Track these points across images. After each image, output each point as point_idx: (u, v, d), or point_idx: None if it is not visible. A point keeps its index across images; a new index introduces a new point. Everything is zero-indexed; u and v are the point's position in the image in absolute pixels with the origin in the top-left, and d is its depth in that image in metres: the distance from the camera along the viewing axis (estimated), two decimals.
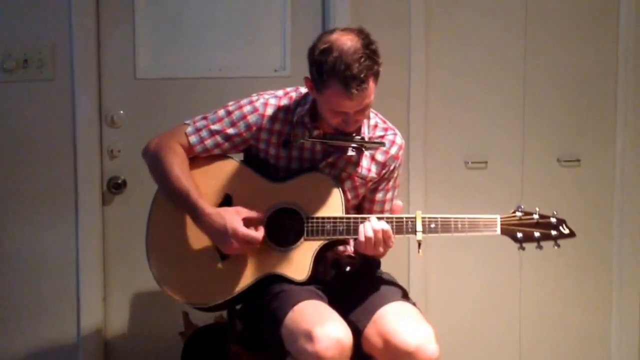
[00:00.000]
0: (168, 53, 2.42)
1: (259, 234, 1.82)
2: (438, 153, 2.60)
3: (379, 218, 1.82)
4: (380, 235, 1.77)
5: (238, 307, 1.98)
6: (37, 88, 2.32)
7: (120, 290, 2.44)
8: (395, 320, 1.76)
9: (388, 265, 2.02)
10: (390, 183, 1.97)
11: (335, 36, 1.76)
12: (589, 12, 2.66)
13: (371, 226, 1.78)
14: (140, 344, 2.46)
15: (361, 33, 1.77)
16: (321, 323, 1.68)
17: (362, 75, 1.71)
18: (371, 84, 1.75)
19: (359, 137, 1.87)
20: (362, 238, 1.78)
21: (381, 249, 1.80)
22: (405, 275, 2.56)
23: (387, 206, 1.98)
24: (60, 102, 2.33)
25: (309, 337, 1.65)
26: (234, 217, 1.81)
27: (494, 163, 2.64)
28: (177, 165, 1.86)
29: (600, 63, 2.69)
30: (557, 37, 2.64)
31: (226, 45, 2.44)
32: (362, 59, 1.72)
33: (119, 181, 2.40)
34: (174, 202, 1.88)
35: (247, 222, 1.82)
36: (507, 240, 2.55)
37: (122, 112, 2.40)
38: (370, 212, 1.96)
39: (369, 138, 1.90)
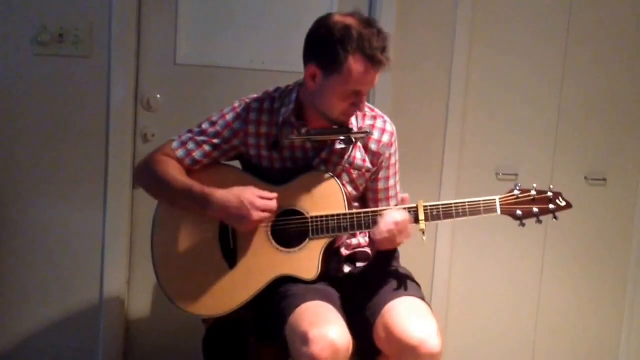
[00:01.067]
0: (210, 41, 2.36)
1: (273, 202, 1.79)
2: (471, 162, 2.59)
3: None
4: (397, 227, 1.76)
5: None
6: (72, 64, 2.25)
7: (145, 274, 2.40)
8: (401, 314, 1.75)
9: (413, 266, 2.01)
10: (391, 171, 1.95)
11: (339, 17, 1.75)
12: (626, 33, 2.64)
13: (386, 221, 1.76)
14: (162, 329, 2.44)
15: (359, 14, 1.77)
16: (318, 325, 1.66)
17: (384, 47, 1.72)
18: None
19: (343, 129, 1.84)
20: (379, 237, 1.77)
21: (399, 241, 1.79)
22: (429, 277, 2.56)
23: (391, 192, 1.96)
24: (96, 81, 2.28)
25: (305, 339, 1.64)
26: (246, 190, 1.78)
27: (524, 176, 2.62)
28: (171, 170, 1.83)
29: (632, 84, 2.67)
30: (595, 56, 2.63)
31: (271, 38, 2.39)
32: (379, 33, 1.73)
33: None
34: (179, 204, 1.84)
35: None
36: (530, 242, 2.61)
37: (158, 96, 2.34)
38: (376, 201, 1.95)
39: (358, 128, 1.88)
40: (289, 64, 2.35)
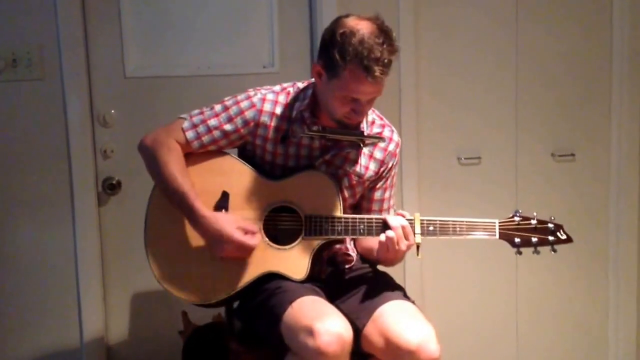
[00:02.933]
0: (157, 51, 2.34)
1: (254, 241, 1.75)
2: (431, 149, 2.52)
3: (382, 221, 1.76)
4: (400, 231, 1.72)
5: (235, 305, 1.92)
6: (27, 88, 2.25)
7: (119, 290, 2.39)
8: (395, 318, 1.71)
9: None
10: (389, 181, 1.91)
11: (353, 21, 1.70)
12: (581, 5, 2.56)
13: (390, 224, 1.72)
14: (141, 341, 2.41)
15: (378, 19, 1.71)
16: (321, 318, 1.61)
17: (384, 60, 1.65)
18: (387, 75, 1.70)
19: (358, 132, 1.80)
20: (383, 238, 1.72)
21: (403, 247, 1.73)
22: (401, 274, 2.47)
23: (385, 205, 1.92)
24: (51, 102, 2.26)
25: (310, 332, 1.59)
26: (230, 224, 1.73)
27: (488, 159, 2.55)
28: (173, 164, 1.78)
29: (593, 57, 2.59)
30: (549, 30, 2.55)
31: (214, 43, 2.36)
32: (384, 44, 1.66)
33: (114, 182, 2.33)
34: (170, 201, 1.80)
35: (242, 232, 1.75)
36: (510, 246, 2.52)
37: (113, 111, 2.33)
38: (370, 211, 1.90)
39: (368, 134, 1.83)
40: (233, 67, 2.33)
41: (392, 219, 1.73)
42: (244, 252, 1.75)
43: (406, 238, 1.72)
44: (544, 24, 2.53)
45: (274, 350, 1.75)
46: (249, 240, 1.74)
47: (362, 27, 1.67)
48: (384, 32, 1.68)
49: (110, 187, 2.33)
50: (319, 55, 1.75)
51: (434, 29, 2.47)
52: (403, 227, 1.72)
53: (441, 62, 2.49)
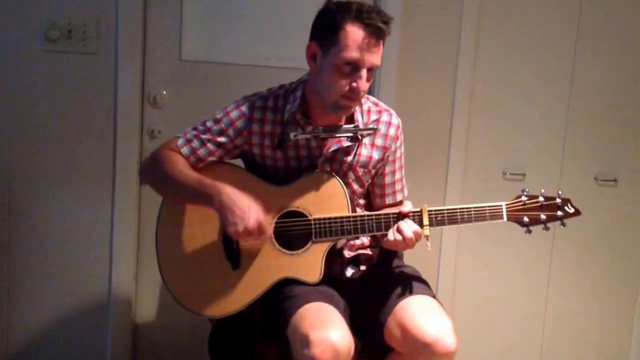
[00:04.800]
0: (214, 37, 2.27)
1: (269, 230, 1.71)
2: (477, 162, 2.46)
3: (391, 216, 1.71)
4: (409, 234, 1.67)
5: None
6: (80, 61, 2.18)
7: (152, 270, 2.27)
8: (414, 312, 1.68)
9: (418, 261, 1.91)
10: (397, 164, 1.87)
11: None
12: (635, 33, 2.49)
13: (403, 230, 1.67)
14: (169, 324, 2.37)
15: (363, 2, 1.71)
16: (319, 327, 1.58)
17: (382, 24, 1.64)
18: (384, 41, 1.68)
19: (351, 126, 1.75)
20: (391, 237, 1.68)
21: (410, 246, 1.70)
22: (435, 270, 2.44)
23: (397, 186, 1.88)
24: (103, 77, 2.20)
25: (306, 341, 1.56)
26: (254, 203, 1.67)
27: (532, 176, 2.49)
28: (178, 165, 1.74)
29: None
30: (604, 56, 2.49)
31: (274, 34, 2.29)
32: (380, 12, 1.67)
33: None
34: (184, 197, 1.74)
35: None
36: (537, 243, 2.47)
37: (164, 92, 2.26)
38: (382, 196, 1.87)
39: (364, 124, 1.78)
40: (291, 61, 2.27)
41: (404, 226, 1.67)
42: (260, 234, 1.66)
43: (416, 239, 1.68)
44: (601, 50, 2.48)
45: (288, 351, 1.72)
46: (267, 226, 1.68)
47: (353, 2, 1.67)
48: (373, 6, 1.69)
49: None
50: (311, 37, 1.71)
51: (493, 46, 2.42)
52: (415, 232, 1.67)
53: (496, 79, 2.44)
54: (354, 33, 1.63)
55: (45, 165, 2.20)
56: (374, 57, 1.65)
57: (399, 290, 1.75)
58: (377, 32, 1.63)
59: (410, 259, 1.91)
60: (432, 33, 2.36)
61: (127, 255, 2.28)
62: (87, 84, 2.19)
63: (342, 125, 1.75)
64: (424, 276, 1.88)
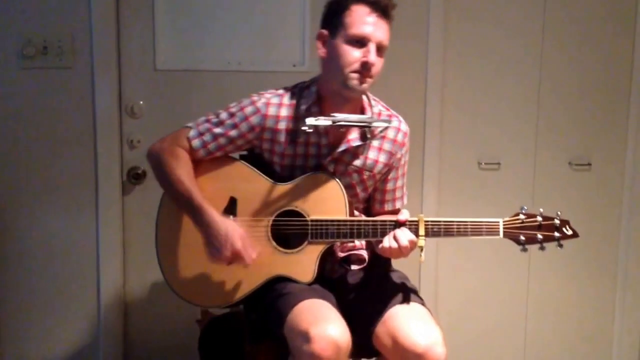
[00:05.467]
0: (188, 45, 2.29)
1: (250, 257, 1.69)
2: (452, 153, 2.48)
3: (388, 223, 1.70)
4: (405, 243, 1.67)
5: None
6: (57, 76, 2.20)
7: (139, 277, 2.35)
8: (405, 321, 1.67)
9: (399, 264, 1.90)
10: (400, 171, 1.87)
11: None
12: (604, 16, 2.51)
13: (399, 238, 1.67)
14: (159, 330, 2.38)
15: None
16: (318, 323, 1.58)
17: (385, 3, 1.70)
18: (388, 22, 1.72)
19: (366, 116, 1.76)
20: (386, 244, 1.68)
21: (405, 254, 1.69)
22: (416, 274, 2.43)
23: (398, 193, 1.88)
24: (80, 90, 2.22)
25: (306, 337, 1.56)
26: (236, 231, 1.68)
27: (507, 164, 2.51)
28: (180, 169, 1.74)
29: (613, 66, 2.54)
30: (573, 41, 2.50)
31: (246, 39, 2.31)
32: None
33: (139, 172, 2.30)
34: (177, 205, 1.76)
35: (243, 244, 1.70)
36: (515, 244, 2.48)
37: (141, 102, 2.28)
38: (382, 202, 1.88)
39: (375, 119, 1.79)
40: (263, 64, 2.28)
41: (400, 234, 1.67)
42: (239, 261, 1.69)
43: (411, 248, 1.68)
44: (568, 34, 2.49)
45: (284, 348, 1.72)
46: (247, 253, 1.68)
47: None
48: None
49: (135, 177, 2.29)
50: (321, 24, 1.76)
51: (462, 36, 2.43)
52: (410, 242, 1.66)
53: (466, 69, 2.44)
54: (359, 10, 1.68)
55: (28, 180, 2.22)
56: (381, 33, 1.69)
57: (389, 295, 1.75)
58: (381, 8, 1.68)
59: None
60: (400, 28, 2.36)
61: (115, 263, 2.29)
62: (65, 98, 2.21)
63: (357, 115, 1.74)
64: (406, 266, 1.89)
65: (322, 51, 1.74)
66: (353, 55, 1.68)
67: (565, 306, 2.63)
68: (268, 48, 2.31)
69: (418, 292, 1.82)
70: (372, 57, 1.68)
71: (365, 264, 1.87)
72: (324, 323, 1.58)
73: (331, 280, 1.81)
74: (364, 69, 1.69)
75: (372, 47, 1.68)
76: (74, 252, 2.27)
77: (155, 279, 2.33)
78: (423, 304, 1.76)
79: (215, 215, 1.70)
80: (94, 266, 2.28)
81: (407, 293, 1.77)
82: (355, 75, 1.69)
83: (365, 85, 1.71)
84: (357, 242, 1.86)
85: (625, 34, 2.52)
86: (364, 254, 1.87)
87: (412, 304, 1.73)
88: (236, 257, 1.69)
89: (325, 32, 1.73)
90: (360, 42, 1.68)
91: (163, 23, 2.24)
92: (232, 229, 1.68)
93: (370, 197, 1.88)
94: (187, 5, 2.27)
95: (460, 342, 2.54)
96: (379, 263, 1.86)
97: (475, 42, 2.45)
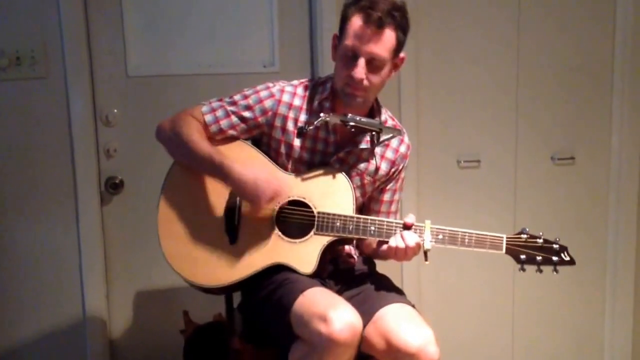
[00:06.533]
0: (158, 50, 2.27)
1: (283, 191, 1.71)
2: (430, 152, 2.43)
3: (394, 225, 1.71)
4: (412, 245, 1.68)
5: (236, 304, 1.87)
6: (30, 86, 2.18)
7: (122, 288, 2.32)
8: (396, 321, 1.66)
9: (382, 267, 1.89)
10: (398, 184, 1.88)
11: None
12: (584, 8, 2.47)
13: (406, 238, 1.67)
14: (143, 340, 2.35)
15: None
16: (335, 307, 1.56)
17: (383, 8, 1.65)
18: (389, 31, 1.67)
19: (377, 121, 1.75)
20: (393, 244, 1.68)
21: (410, 257, 1.70)
22: (398, 277, 2.40)
23: (393, 207, 1.88)
24: (54, 100, 2.20)
25: (324, 319, 1.53)
26: (262, 172, 1.69)
27: (487, 161, 2.46)
28: (196, 133, 1.73)
29: (595, 60, 2.50)
30: (551, 33, 2.46)
31: (215, 41, 2.29)
32: (388, 3, 1.67)
33: (117, 181, 2.27)
34: (197, 168, 1.74)
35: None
36: (500, 229, 2.39)
37: (115, 110, 2.25)
38: (378, 212, 1.87)
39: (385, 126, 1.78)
40: (233, 66, 2.27)
41: (407, 235, 1.67)
42: (279, 196, 1.70)
43: (416, 251, 1.68)
44: (546, 27, 2.45)
45: (277, 346, 1.69)
46: (279, 193, 1.69)
47: None
48: (393, 2, 1.69)
49: (113, 187, 2.26)
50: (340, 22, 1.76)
51: (435, 30, 2.39)
52: (417, 244, 1.67)
53: (441, 65, 2.41)
54: (355, 22, 1.66)
55: (7, 193, 2.19)
56: (373, 46, 1.66)
57: (376, 297, 1.74)
58: (376, 20, 1.64)
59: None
60: None
61: (97, 274, 2.26)
62: (40, 109, 2.18)
63: (369, 119, 1.74)
64: (387, 269, 1.87)
65: (333, 54, 1.76)
66: (345, 70, 1.69)
67: (554, 304, 2.57)
68: (238, 50, 2.29)
69: (404, 294, 1.80)
70: (358, 73, 1.67)
71: (354, 266, 1.85)
72: (339, 307, 1.57)
73: (321, 279, 1.78)
74: (352, 81, 1.68)
75: (360, 61, 1.66)
76: (55, 264, 2.24)
77: (138, 288, 2.32)
78: (412, 305, 1.74)
79: (237, 168, 1.68)
80: (77, 278, 2.25)
81: (394, 294, 1.75)
82: (347, 87, 1.70)
83: (359, 100, 1.71)
84: (347, 247, 1.84)
85: (605, 24, 2.48)
86: (354, 255, 1.86)
87: (401, 304, 1.72)
88: (271, 200, 1.69)
89: (335, 37, 1.75)
90: (353, 54, 1.67)
91: (132, 29, 2.22)
92: (258, 175, 1.67)
93: (364, 206, 1.86)
94: (156, 10, 2.25)
95: (445, 348, 2.47)
96: (365, 265, 1.85)
97: (449, 37, 2.40)
